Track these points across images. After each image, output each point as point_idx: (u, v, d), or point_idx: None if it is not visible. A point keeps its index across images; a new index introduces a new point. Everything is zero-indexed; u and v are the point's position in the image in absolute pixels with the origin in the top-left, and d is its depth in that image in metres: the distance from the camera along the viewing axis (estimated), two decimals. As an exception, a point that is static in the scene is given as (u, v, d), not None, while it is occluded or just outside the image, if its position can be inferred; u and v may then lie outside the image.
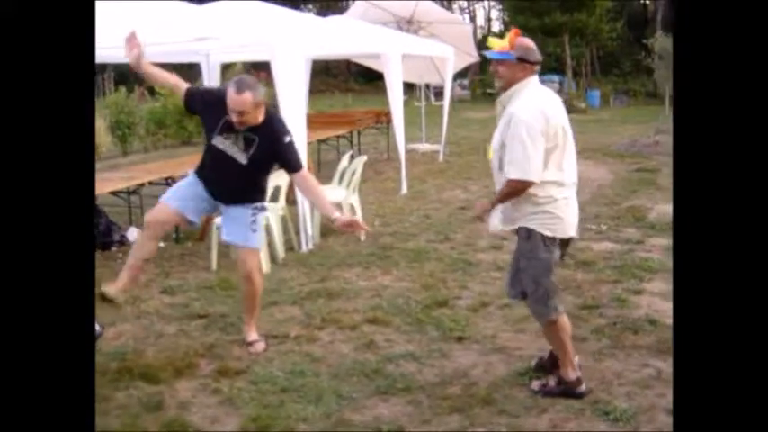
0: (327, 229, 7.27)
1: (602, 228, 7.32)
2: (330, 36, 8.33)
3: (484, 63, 28.65)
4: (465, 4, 54.02)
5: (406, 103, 10.00)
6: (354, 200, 7.19)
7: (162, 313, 5.12)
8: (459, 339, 4.47)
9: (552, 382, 3.79)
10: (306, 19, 9.15)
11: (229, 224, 4.43)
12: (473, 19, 50.27)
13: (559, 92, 28.40)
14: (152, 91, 17.66)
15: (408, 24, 13.81)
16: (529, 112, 3.52)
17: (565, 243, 3.80)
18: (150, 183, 7.17)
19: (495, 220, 3.78)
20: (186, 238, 7.29)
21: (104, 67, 26.92)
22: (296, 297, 5.33)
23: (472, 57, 15.36)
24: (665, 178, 10.33)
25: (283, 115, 6.54)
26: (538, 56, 3.63)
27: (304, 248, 6.61)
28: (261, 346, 4.40)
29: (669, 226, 7.21)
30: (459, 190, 9.98)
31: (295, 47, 6.14)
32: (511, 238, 6.88)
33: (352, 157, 7.69)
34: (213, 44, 4.41)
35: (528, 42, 3.63)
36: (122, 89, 16.83)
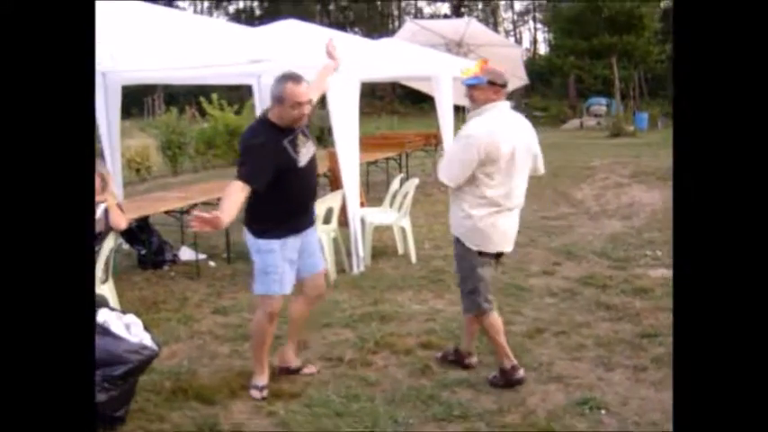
0: (378, 251, 7.27)
1: (658, 254, 7.16)
2: (381, 58, 8.36)
3: (531, 86, 28.56)
4: (511, 26, 54.03)
5: (453, 126, 9.95)
6: (405, 223, 7.16)
7: (215, 333, 5.13)
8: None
9: (495, 373, 4.21)
10: (357, 41, 9.20)
11: (315, 250, 4.26)
12: (519, 41, 50.27)
13: (607, 114, 28.16)
14: (202, 112, 17.92)
15: (458, 47, 13.83)
16: (475, 129, 3.96)
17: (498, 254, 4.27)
18: (204, 203, 7.22)
19: None
20: (237, 257, 7.32)
21: (154, 87, 27.44)
22: (349, 320, 5.30)
23: (521, 80, 15.31)
24: (721, 203, 10.11)
25: (336, 137, 6.58)
26: (506, 79, 4.08)
27: (355, 270, 6.59)
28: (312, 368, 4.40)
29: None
30: (509, 213, 9.87)
31: (348, 69, 6.16)
32: (564, 264, 6.84)
33: (402, 180, 7.67)
34: (267, 66, 4.44)
35: (496, 68, 4.08)
36: (174, 109, 17.11)
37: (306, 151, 3.99)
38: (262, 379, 4.12)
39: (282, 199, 3.93)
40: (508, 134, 3.97)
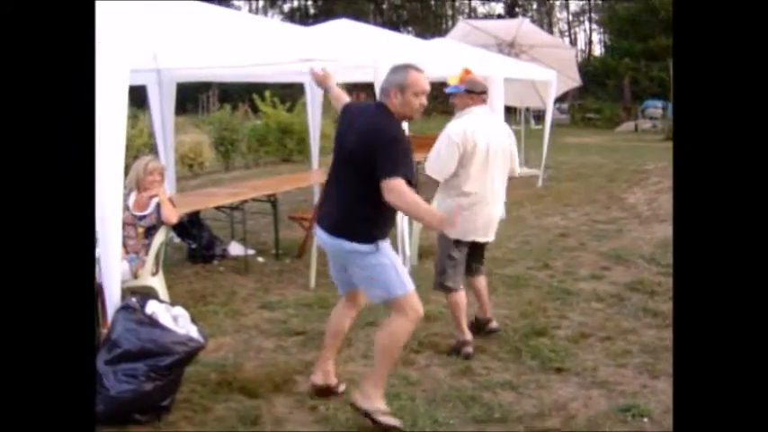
0: (425, 250, 7.27)
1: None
2: (432, 58, 8.35)
3: (585, 88, 28.24)
4: (566, 27, 53.48)
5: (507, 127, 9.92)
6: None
7: (261, 328, 5.20)
8: (558, 371, 4.36)
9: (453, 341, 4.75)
10: (408, 41, 9.22)
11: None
12: (574, 42, 49.75)
13: (662, 117, 27.69)
14: (255, 109, 18.14)
15: (510, 48, 13.73)
16: (454, 128, 4.58)
17: (479, 246, 4.90)
18: (253, 199, 7.33)
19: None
20: (285, 254, 7.41)
21: (209, 85, 27.85)
22: (392, 318, 5.31)
23: (575, 81, 15.14)
24: None
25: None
26: (483, 87, 4.74)
27: (401, 269, 6.60)
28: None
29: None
30: (559, 216, 9.79)
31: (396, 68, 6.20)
32: (613, 269, 6.76)
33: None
34: (317, 65, 4.50)
35: (475, 78, 4.74)
36: (227, 106, 17.34)
37: None
38: (382, 400, 3.72)
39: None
40: (483, 134, 4.59)
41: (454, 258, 4.72)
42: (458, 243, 4.70)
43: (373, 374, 3.74)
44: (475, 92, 4.69)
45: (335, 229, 3.67)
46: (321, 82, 4.34)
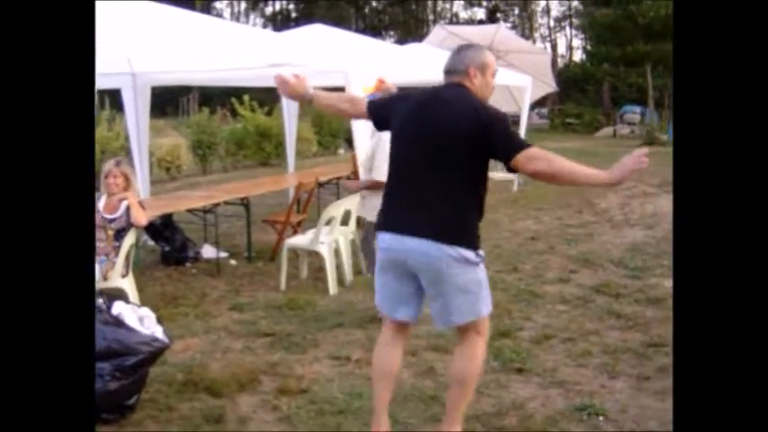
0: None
1: (675, 264, 7.16)
2: (405, 63, 8.45)
3: (565, 93, 28.47)
4: (546, 32, 53.81)
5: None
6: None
7: (230, 329, 5.26)
8: (519, 371, 4.45)
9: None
10: (380, 46, 9.31)
11: None
12: (554, 47, 50.07)
13: (640, 123, 27.95)
14: (234, 112, 18.17)
15: (486, 53, 13.83)
16: (383, 134, 4.63)
17: None
18: (226, 202, 7.38)
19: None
20: (258, 257, 7.47)
21: (189, 88, 27.83)
22: (361, 320, 5.39)
23: (551, 86, 15.29)
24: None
25: (356, 140, 6.70)
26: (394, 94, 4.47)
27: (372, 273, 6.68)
28: None
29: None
30: (532, 220, 9.92)
31: (368, 73, 6.27)
32: (580, 272, 6.87)
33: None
34: (288, 70, 4.57)
35: (390, 86, 4.87)
36: (205, 110, 17.37)
37: None
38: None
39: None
40: None
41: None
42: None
43: (460, 404, 3.46)
44: None
45: (433, 233, 3.13)
46: (288, 92, 3.62)
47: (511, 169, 3.15)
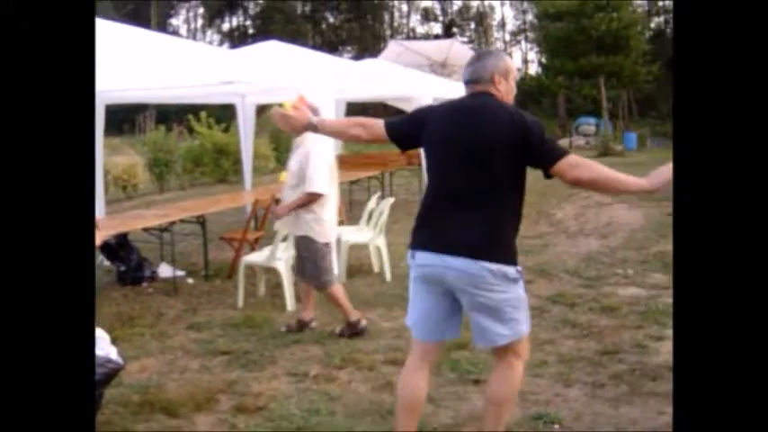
0: (355, 268, 7.38)
1: (629, 273, 7.29)
2: (360, 79, 8.51)
3: (521, 105, 28.80)
4: (502, 46, 54.45)
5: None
6: (381, 241, 7.27)
7: (187, 349, 5.22)
8: (476, 382, 4.49)
9: (342, 326, 5.47)
10: (334, 62, 9.36)
11: None
12: (510, 61, 50.54)
13: (596, 134, 28.43)
14: (190, 129, 18.06)
15: (441, 67, 14.00)
16: (323, 146, 5.33)
17: None
18: (182, 221, 7.34)
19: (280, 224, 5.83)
20: (215, 275, 7.43)
21: (146, 106, 27.59)
22: (318, 336, 5.40)
23: (505, 99, 15.47)
24: (697, 223, 10.26)
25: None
26: (317, 110, 4.64)
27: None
28: None
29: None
30: (488, 232, 10.00)
31: (322, 90, 6.31)
32: (536, 282, 6.95)
33: (379, 199, 7.79)
34: (242, 87, 4.57)
35: (312, 103, 4.84)
36: (161, 127, 17.24)
37: None
38: None
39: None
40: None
41: (326, 257, 5.43)
42: (327, 244, 5.44)
43: (499, 424, 3.38)
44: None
45: (473, 250, 3.05)
46: (292, 126, 3.50)
47: (549, 176, 3.11)
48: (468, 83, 3.27)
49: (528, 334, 3.33)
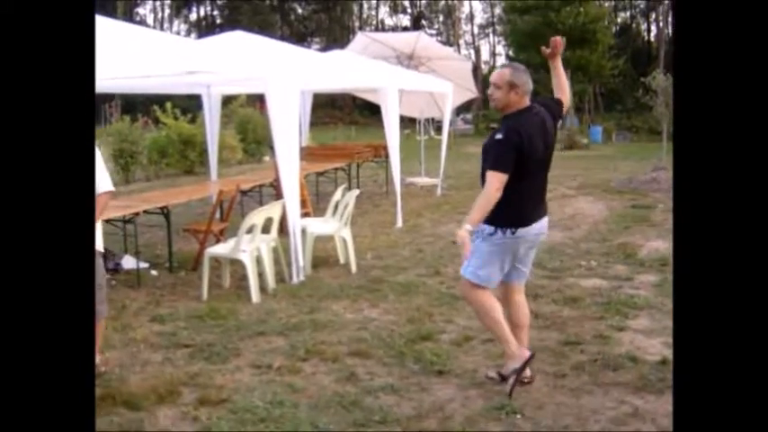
0: (321, 260, 7.37)
1: (592, 264, 7.38)
2: (326, 70, 8.48)
3: (487, 98, 28.92)
4: (471, 39, 54.58)
5: (407, 137, 10.13)
6: (346, 233, 7.27)
7: (150, 341, 5.18)
8: (440, 373, 4.51)
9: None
10: (300, 53, 9.31)
11: None
12: (478, 54, 50.79)
13: (562, 127, 28.63)
14: (156, 120, 17.86)
15: (409, 60, 13.99)
16: None
17: None
18: (146, 212, 7.26)
19: None
20: (180, 267, 7.37)
21: (111, 96, 27.23)
22: (283, 328, 5.38)
23: (472, 92, 15.53)
24: (659, 215, 10.41)
25: (277, 146, 6.67)
26: None
27: (295, 280, 6.67)
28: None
29: (658, 263, 7.28)
30: (454, 224, 10.01)
31: (287, 80, 6.27)
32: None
33: (345, 191, 7.78)
34: (206, 78, 4.54)
35: None
36: (126, 118, 17.03)
37: None
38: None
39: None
40: None
41: None
42: None
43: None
44: None
45: (545, 214, 4.32)
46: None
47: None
48: (529, 93, 4.21)
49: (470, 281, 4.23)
